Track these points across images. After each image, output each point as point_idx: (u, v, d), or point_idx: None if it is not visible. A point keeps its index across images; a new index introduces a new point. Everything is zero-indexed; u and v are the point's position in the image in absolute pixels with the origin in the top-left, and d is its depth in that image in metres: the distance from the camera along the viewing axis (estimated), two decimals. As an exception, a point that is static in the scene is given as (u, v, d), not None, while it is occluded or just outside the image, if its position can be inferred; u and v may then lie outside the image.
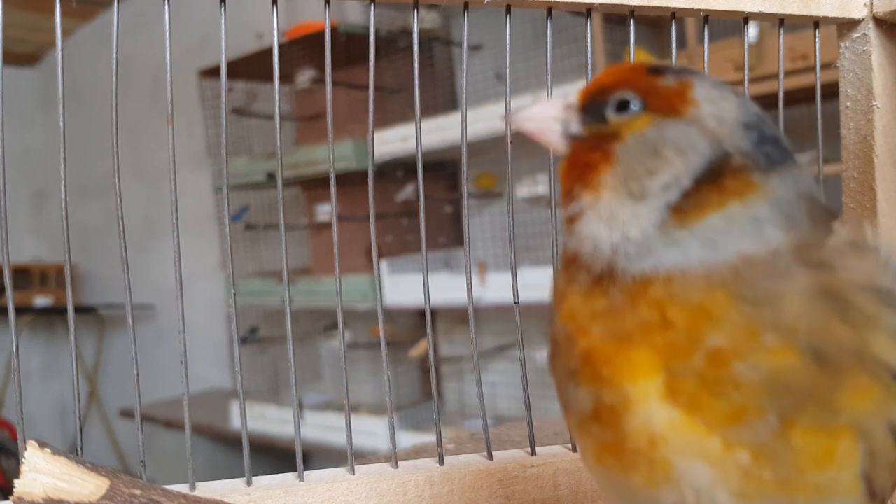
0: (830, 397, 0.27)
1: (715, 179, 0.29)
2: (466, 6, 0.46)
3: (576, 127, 0.32)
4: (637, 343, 0.28)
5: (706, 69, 0.47)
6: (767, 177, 0.29)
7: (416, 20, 0.47)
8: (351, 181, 1.86)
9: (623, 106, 0.30)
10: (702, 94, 0.30)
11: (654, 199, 0.29)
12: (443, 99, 1.96)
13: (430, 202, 1.94)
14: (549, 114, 0.32)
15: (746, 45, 0.49)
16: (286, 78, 2.10)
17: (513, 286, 0.49)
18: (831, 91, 0.51)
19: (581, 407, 0.30)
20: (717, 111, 0.30)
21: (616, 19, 1.51)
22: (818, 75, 0.50)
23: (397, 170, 1.97)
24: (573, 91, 0.33)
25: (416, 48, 0.46)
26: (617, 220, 0.29)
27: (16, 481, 0.34)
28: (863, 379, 0.27)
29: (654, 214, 0.29)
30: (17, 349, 0.42)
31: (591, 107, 0.31)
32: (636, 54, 0.47)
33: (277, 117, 0.46)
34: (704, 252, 0.28)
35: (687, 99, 0.30)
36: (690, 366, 0.27)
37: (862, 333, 0.27)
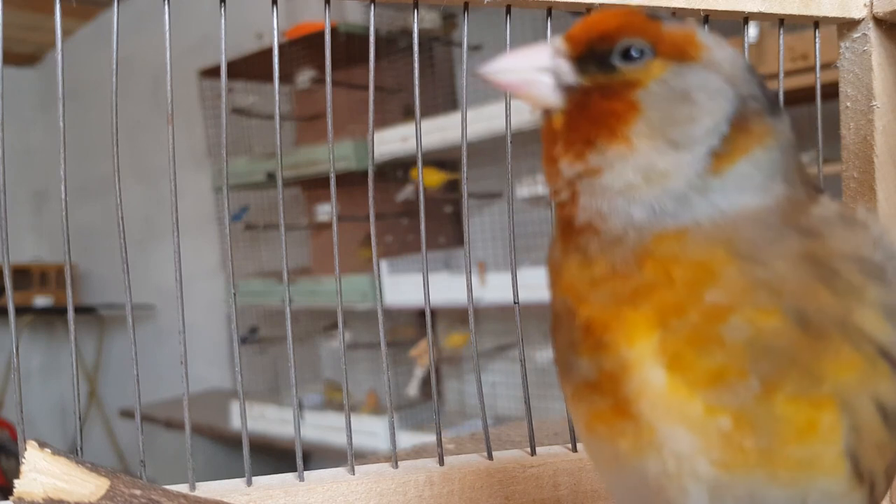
0: (813, 364, 0.27)
1: (740, 124, 0.28)
2: (466, 6, 0.46)
3: (572, 77, 0.29)
4: (638, 304, 0.27)
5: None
6: (774, 122, 0.29)
7: (416, 20, 0.47)
8: (351, 181, 1.86)
9: (628, 53, 0.29)
10: (707, 40, 0.30)
11: (697, 146, 0.28)
12: (443, 99, 1.96)
13: (430, 202, 1.94)
14: (532, 64, 0.29)
15: (746, 45, 0.49)
16: (286, 78, 2.10)
17: (513, 286, 0.49)
18: (831, 91, 0.51)
19: (581, 376, 0.29)
20: (726, 55, 0.29)
21: (616, 19, 1.51)
22: (818, 75, 0.50)
23: (397, 170, 1.97)
24: (554, 39, 0.30)
25: (416, 48, 0.46)
26: (657, 171, 0.28)
27: (16, 481, 0.34)
28: (846, 349, 0.27)
29: (697, 163, 0.28)
30: (17, 349, 0.42)
31: (590, 55, 0.29)
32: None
33: (277, 117, 0.46)
34: (731, 201, 0.28)
35: (697, 44, 0.29)
36: (683, 323, 0.26)
37: (846, 303, 0.27)
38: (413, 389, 1.89)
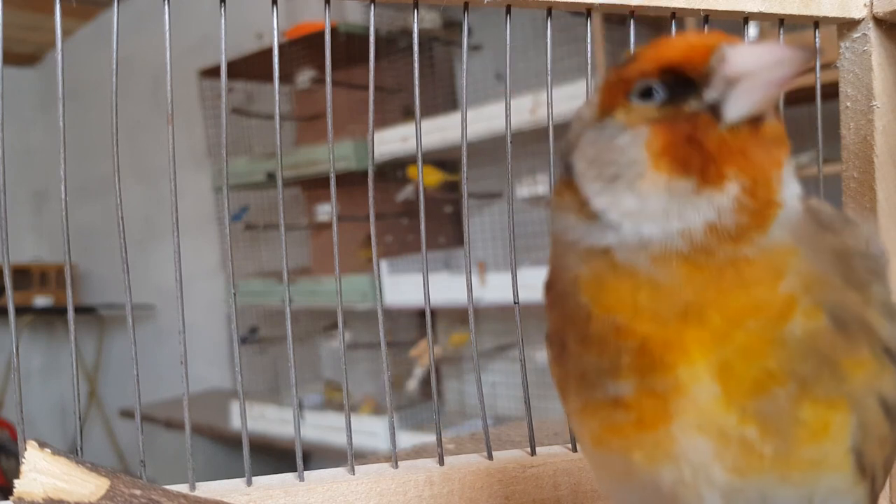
0: (838, 365, 0.27)
1: None
2: (466, 6, 0.46)
3: None
4: (707, 316, 0.26)
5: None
6: None
7: (416, 20, 0.47)
8: (351, 181, 1.86)
9: None
10: None
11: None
12: (443, 99, 1.96)
13: (430, 202, 1.94)
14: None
15: (746, 45, 0.49)
16: (286, 78, 2.10)
17: (513, 286, 0.49)
18: (831, 91, 0.51)
19: (603, 394, 0.28)
20: None
21: (616, 19, 1.51)
22: (818, 75, 0.50)
23: (397, 170, 1.98)
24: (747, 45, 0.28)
25: (416, 48, 0.46)
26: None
27: (16, 481, 0.34)
28: (864, 348, 0.27)
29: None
30: (17, 349, 0.42)
31: None
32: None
33: (277, 117, 0.46)
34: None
35: None
36: (745, 332, 0.26)
37: (862, 300, 0.28)
38: (413, 384, 1.89)
